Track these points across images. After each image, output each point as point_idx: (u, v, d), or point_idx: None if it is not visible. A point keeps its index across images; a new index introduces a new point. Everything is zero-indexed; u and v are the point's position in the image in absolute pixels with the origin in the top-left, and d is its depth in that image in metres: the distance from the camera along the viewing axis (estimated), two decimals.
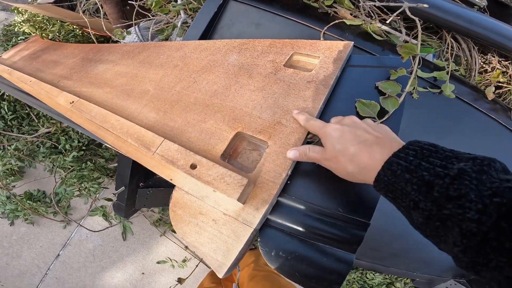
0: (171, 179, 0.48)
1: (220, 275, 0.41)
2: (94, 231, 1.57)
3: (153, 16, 1.13)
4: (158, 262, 1.51)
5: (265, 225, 0.44)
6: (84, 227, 1.57)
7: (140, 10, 1.12)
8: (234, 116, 0.51)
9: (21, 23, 1.57)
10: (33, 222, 1.65)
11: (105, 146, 1.61)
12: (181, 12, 1.06)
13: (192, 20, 1.09)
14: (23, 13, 1.65)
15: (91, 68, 0.93)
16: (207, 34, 0.93)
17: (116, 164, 1.52)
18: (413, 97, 0.74)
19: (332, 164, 0.38)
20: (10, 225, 1.67)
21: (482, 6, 1.01)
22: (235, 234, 0.40)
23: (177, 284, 1.44)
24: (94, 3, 1.44)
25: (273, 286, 0.91)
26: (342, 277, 0.41)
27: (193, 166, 0.42)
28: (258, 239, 0.44)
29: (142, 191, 1.10)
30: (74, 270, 1.60)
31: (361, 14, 0.83)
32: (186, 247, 1.53)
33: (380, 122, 0.49)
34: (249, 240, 0.41)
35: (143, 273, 1.53)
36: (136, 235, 1.59)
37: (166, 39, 1.16)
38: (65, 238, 1.64)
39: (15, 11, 1.68)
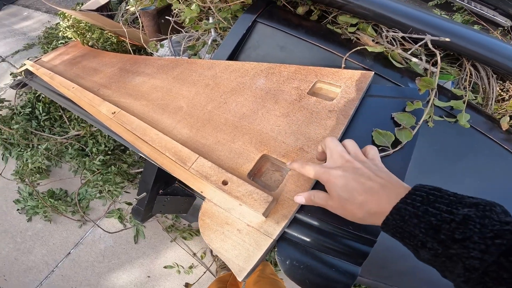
0: (202, 192, 0.54)
1: (240, 278, 0.47)
2: (109, 232, 1.63)
3: (186, 32, 1.22)
4: (165, 267, 1.54)
5: (282, 237, 0.49)
6: (100, 227, 1.64)
7: (175, 26, 1.22)
8: (260, 139, 0.57)
9: (66, 28, 1.70)
10: (50, 220, 1.73)
11: (128, 152, 1.71)
12: (212, 30, 1.15)
13: (221, 38, 1.17)
14: (69, 18, 1.79)
15: (128, 79, 1.03)
16: (235, 53, 1.00)
17: (137, 170, 1.62)
18: (428, 125, 0.77)
19: (339, 210, 0.40)
20: (28, 221, 1.75)
21: (506, 27, 1.02)
22: (256, 243, 0.46)
23: None
24: (132, 13, 1.56)
25: None
26: (347, 287, 0.45)
27: (225, 183, 0.48)
28: (275, 249, 0.49)
29: (160, 198, 1.17)
30: (82, 269, 1.63)
31: (383, 41, 0.87)
32: (194, 254, 1.57)
33: (393, 152, 0.54)
34: (268, 249, 0.46)
35: (148, 277, 1.56)
36: (147, 239, 1.63)
37: (195, 54, 1.25)
38: (78, 237, 1.69)
39: (61, 15, 1.82)
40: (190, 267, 1.54)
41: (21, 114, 1.76)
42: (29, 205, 1.70)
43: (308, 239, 0.49)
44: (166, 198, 1.20)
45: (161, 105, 0.80)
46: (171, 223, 1.63)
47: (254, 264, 0.46)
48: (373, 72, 0.66)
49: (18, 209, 1.77)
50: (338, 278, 0.46)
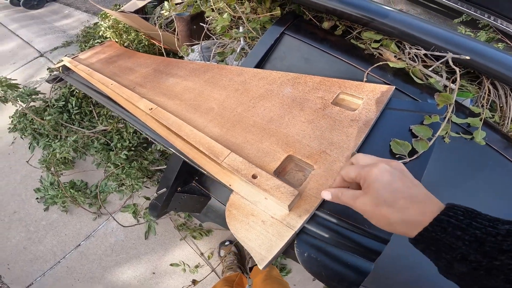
0: (230, 185, 0.60)
1: (261, 266, 0.52)
2: (123, 226, 1.64)
3: (216, 39, 1.30)
4: (171, 264, 1.55)
5: (302, 230, 0.54)
6: (115, 219, 1.66)
7: (207, 32, 1.30)
8: (286, 141, 0.63)
9: (107, 28, 1.83)
10: (67, 211, 1.75)
11: (150, 150, 1.79)
12: (241, 39, 1.23)
13: (249, 47, 1.25)
14: (110, 19, 1.91)
15: (162, 80, 1.11)
16: (262, 62, 1.07)
17: (157, 167, 1.69)
18: (444, 141, 0.81)
19: (369, 211, 0.37)
20: (44, 211, 1.78)
21: None
22: (279, 234, 0.51)
23: (190, 285, 1.46)
24: (165, 18, 1.66)
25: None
26: (360, 280, 0.49)
27: (254, 176, 0.54)
28: (295, 242, 0.54)
29: (178, 195, 1.22)
30: (89, 261, 1.63)
31: (405, 57, 0.91)
32: (202, 253, 1.58)
33: (409, 161, 0.58)
34: (289, 241, 0.51)
35: (153, 273, 1.56)
36: (158, 236, 1.64)
37: (222, 61, 1.33)
38: (91, 230, 1.70)
39: (103, 15, 1.95)
40: (196, 267, 1.55)
41: (55, 106, 1.88)
42: (49, 195, 1.76)
43: (325, 235, 0.53)
44: (183, 196, 1.25)
45: (193, 105, 0.87)
46: (183, 222, 1.65)
47: (275, 253, 0.51)
48: (394, 87, 0.71)
49: (37, 198, 1.81)
50: (352, 273, 0.51)
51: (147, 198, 1.67)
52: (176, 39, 1.54)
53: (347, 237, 0.53)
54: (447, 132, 0.79)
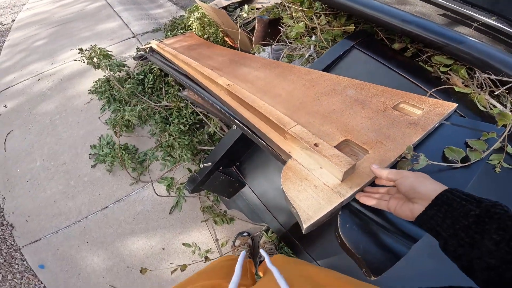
0: (290, 152, 0.69)
1: (306, 225, 0.58)
2: (158, 195, 1.70)
3: (290, 43, 1.44)
4: (183, 244, 1.56)
5: (347, 204, 0.60)
6: (152, 186, 1.71)
7: (282, 36, 1.45)
8: (346, 129, 0.71)
9: (195, 20, 2.09)
10: (111, 171, 1.85)
11: (202, 130, 1.96)
12: (312, 46, 1.35)
13: (317, 55, 1.36)
14: (198, 11, 2.18)
15: (236, 67, 1.27)
16: (327, 69, 1.17)
17: (204, 147, 1.84)
18: (495, 171, 0.81)
19: (413, 181, 0.48)
20: (91, 167, 1.91)
21: None
22: (328, 199, 0.58)
23: (176, 269, 1.44)
24: (243, 19, 1.86)
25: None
26: (393, 261, 0.54)
27: (316, 145, 0.63)
28: (339, 213, 0.61)
29: (218, 174, 1.31)
30: (108, 225, 1.66)
31: (473, 84, 0.94)
32: (217, 239, 1.59)
33: (460, 167, 0.62)
34: (335, 208, 0.58)
35: (163, 249, 1.56)
36: (181, 213, 1.66)
37: (289, 63, 1.46)
38: (124, 194, 1.76)
39: (193, 8, 2.21)
40: (207, 251, 1.54)
41: (134, 79, 2.19)
42: (102, 152, 1.93)
43: (368, 213, 0.59)
44: (222, 176, 1.34)
45: (263, 90, 1.00)
46: (210, 205, 1.67)
47: (321, 215, 0.57)
48: (456, 105, 0.75)
49: (90, 154, 1.97)
50: (387, 252, 0.55)
51: (190, 170, 1.78)
52: (249, 38, 1.73)
53: (389, 219, 0.59)
54: (499, 162, 0.80)
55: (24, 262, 1.66)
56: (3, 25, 4.62)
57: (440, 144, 0.68)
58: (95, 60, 2.14)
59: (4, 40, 3.85)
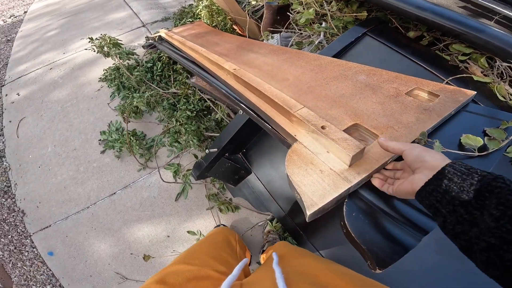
0: (295, 135, 0.66)
1: (309, 212, 0.54)
2: (164, 181, 1.71)
3: (299, 30, 1.40)
4: (188, 232, 1.57)
5: (353, 192, 0.57)
6: (159, 172, 1.71)
7: (291, 22, 1.41)
8: (355, 113, 0.67)
9: (204, 8, 2.07)
10: (119, 157, 1.88)
11: (208, 117, 1.94)
12: (321, 33, 1.30)
13: (327, 42, 1.31)
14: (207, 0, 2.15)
15: (244, 53, 1.24)
16: (337, 56, 1.12)
17: (211, 134, 1.82)
18: None
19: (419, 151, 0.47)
20: (100, 153, 1.94)
21: None
22: (334, 184, 0.55)
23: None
24: (252, 6, 1.82)
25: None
26: (401, 254, 0.51)
27: (323, 127, 0.60)
28: (346, 200, 0.58)
29: (223, 160, 1.30)
30: (115, 212, 1.68)
31: (492, 73, 0.88)
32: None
33: (477, 156, 0.58)
34: (342, 194, 0.55)
35: (168, 236, 1.58)
36: (187, 200, 1.67)
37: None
38: (131, 180, 1.78)
39: None
40: None
41: (143, 66, 2.19)
42: (111, 138, 1.96)
43: (376, 202, 0.56)
44: (228, 163, 1.32)
45: (271, 74, 0.97)
46: (215, 192, 1.67)
47: (326, 201, 0.54)
48: (475, 92, 0.70)
49: (99, 139, 2.00)
50: (395, 244, 0.52)
51: (196, 156, 1.76)
52: (257, 25, 1.69)
53: (398, 210, 0.56)
54: None
55: (34, 249, 1.70)
56: (16, 17, 4.70)
57: (456, 131, 0.63)
58: (105, 49, 2.14)
59: (17, 32, 3.92)
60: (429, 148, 0.47)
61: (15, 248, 1.73)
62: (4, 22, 4.58)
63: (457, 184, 0.37)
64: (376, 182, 0.54)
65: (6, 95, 2.71)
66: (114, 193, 1.78)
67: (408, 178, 0.46)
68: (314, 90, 0.81)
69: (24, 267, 1.66)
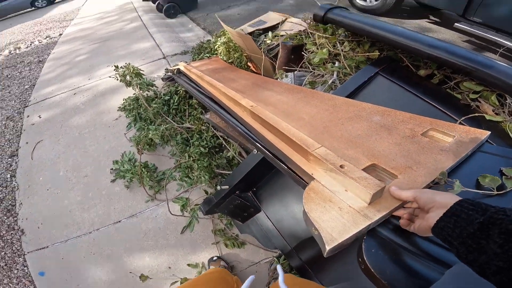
0: (312, 173, 0.68)
1: (329, 247, 0.53)
2: (172, 213, 1.69)
3: (312, 69, 1.48)
4: (188, 264, 1.53)
5: (373, 229, 0.57)
6: (168, 205, 1.68)
7: (305, 62, 1.49)
8: (372, 153, 0.69)
9: (221, 44, 2.21)
10: (129, 187, 1.87)
11: (220, 154, 1.97)
12: (335, 73, 1.37)
13: (339, 82, 1.38)
14: (225, 36, 2.30)
15: (260, 91, 1.31)
16: (351, 96, 1.17)
17: (222, 171, 1.85)
18: None
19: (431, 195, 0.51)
20: (111, 182, 1.94)
21: None
22: (354, 221, 0.55)
23: (176, 281, 1.45)
24: (267, 45, 1.93)
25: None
26: (425, 286, 0.50)
27: (342, 166, 0.61)
28: (364, 237, 0.57)
29: (234, 197, 1.31)
30: (117, 240, 1.64)
31: (503, 111, 0.90)
32: (227, 264, 1.55)
33: (495, 195, 0.58)
34: (362, 231, 0.55)
35: (169, 267, 1.54)
36: (193, 234, 1.64)
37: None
38: (138, 210, 1.76)
39: (220, 33, 2.34)
40: None
41: (161, 99, 2.30)
42: (123, 168, 1.99)
43: (395, 238, 0.56)
44: (238, 200, 1.33)
45: (286, 113, 1.01)
46: (222, 228, 1.64)
47: (346, 237, 0.54)
48: (489, 132, 0.72)
49: (111, 168, 2.02)
50: (417, 279, 0.51)
51: (206, 192, 1.78)
52: (271, 64, 1.78)
53: (417, 244, 0.55)
54: None
55: (25, 268, 1.67)
56: (51, 38, 5.07)
57: (473, 171, 0.64)
58: (128, 78, 2.28)
59: (49, 53, 4.20)
60: (437, 190, 0.52)
61: (5, 264, 1.70)
62: (40, 42, 4.96)
63: (464, 220, 0.42)
64: (403, 222, 0.56)
65: (28, 116, 2.82)
66: (119, 221, 1.76)
67: (425, 217, 0.50)
68: (329, 130, 0.84)
69: (10, 284, 1.62)
